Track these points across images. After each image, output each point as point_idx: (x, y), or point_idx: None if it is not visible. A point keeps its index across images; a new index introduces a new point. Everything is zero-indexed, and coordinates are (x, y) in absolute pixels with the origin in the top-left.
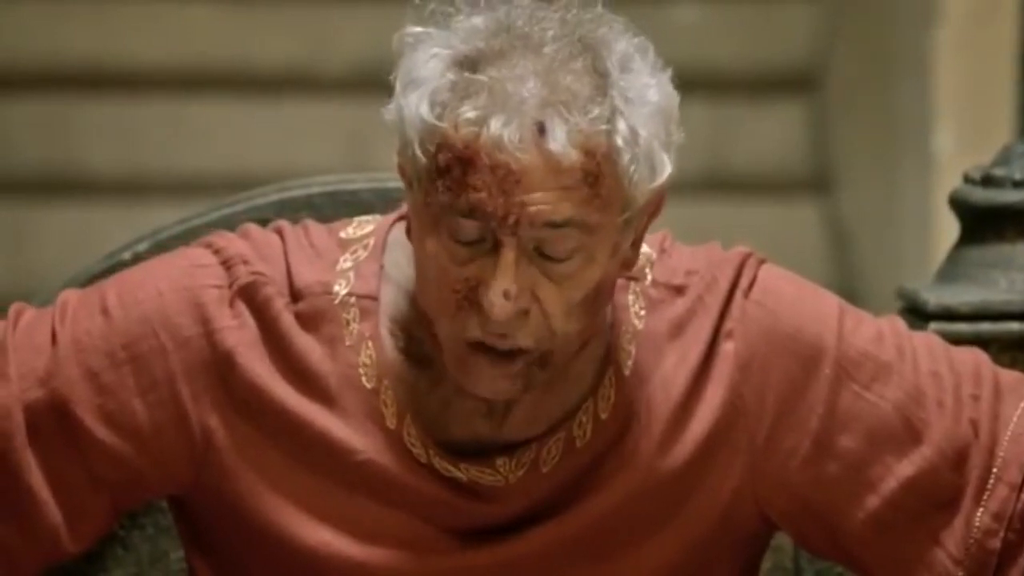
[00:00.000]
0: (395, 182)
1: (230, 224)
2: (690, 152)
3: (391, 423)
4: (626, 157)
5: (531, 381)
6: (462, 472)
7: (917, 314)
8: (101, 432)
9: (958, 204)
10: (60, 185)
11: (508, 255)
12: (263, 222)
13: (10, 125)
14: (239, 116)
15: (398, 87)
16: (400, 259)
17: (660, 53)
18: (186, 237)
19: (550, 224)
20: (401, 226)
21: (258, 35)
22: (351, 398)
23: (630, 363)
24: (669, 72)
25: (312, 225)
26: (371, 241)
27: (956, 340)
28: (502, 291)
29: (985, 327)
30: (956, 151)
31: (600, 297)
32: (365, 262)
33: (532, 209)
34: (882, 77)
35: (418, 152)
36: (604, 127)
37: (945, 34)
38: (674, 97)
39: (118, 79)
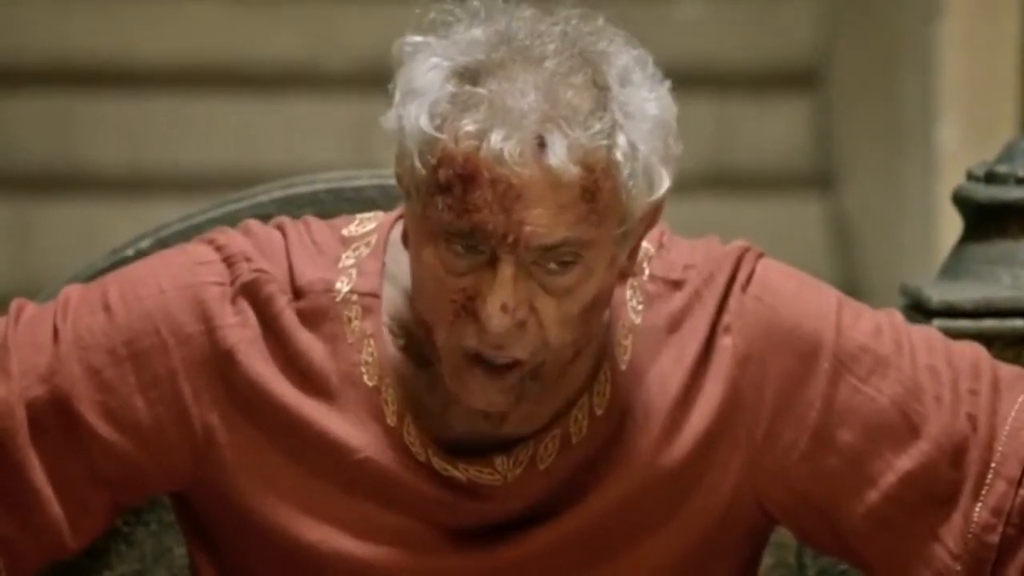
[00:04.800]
0: None
1: (234, 221)
2: (694, 149)
3: (391, 421)
4: (625, 172)
5: (524, 393)
6: (460, 471)
7: (920, 311)
8: (103, 429)
9: (961, 201)
10: (64, 181)
11: (506, 270)
12: (267, 219)
13: (15, 121)
14: (243, 113)
15: (397, 96)
16: (401, 257)
17: (664, 50)
18: (190, 234)
19: (545, 247)
20: (402, 224)
21: (262, 32)
22: (352, 396)
23: (626, 358)
24: (668, 84)
25: (314, 222)
26: (373, 239)
27: (959, 337)
28: (500, 304)
29: (988, 324)
30: (960, 147)
31: (596, 309)
32: (367, 259)
33: (528, 229)
34: (886, 73)
35: (418, 164)
36: (604, 142)
37: (949, 30)
38: (673, 110)
39: (122, 76)
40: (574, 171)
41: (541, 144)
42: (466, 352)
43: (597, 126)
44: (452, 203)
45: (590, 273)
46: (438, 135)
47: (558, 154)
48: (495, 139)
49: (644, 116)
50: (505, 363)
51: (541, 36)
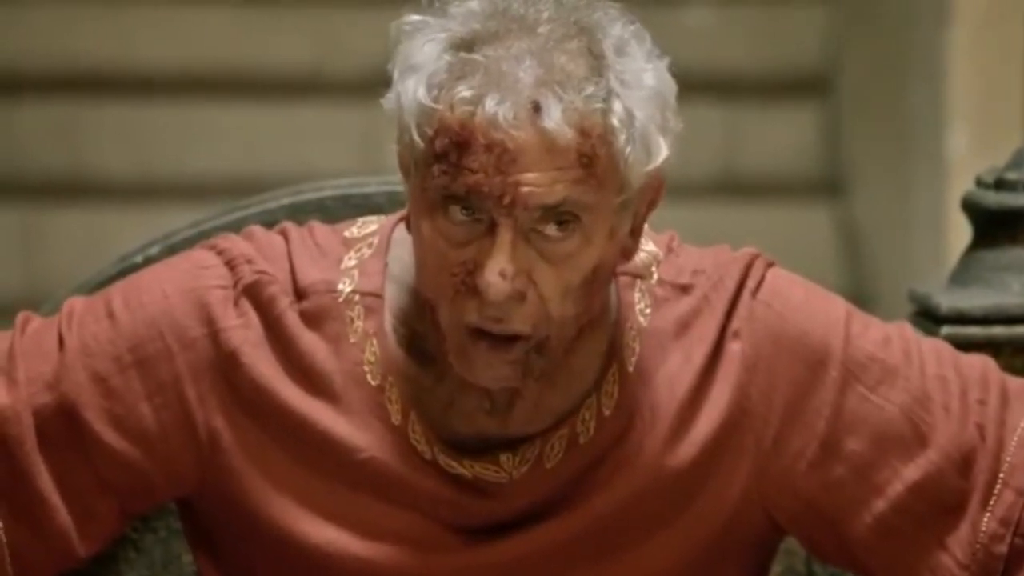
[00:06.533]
0: None
1: (241, 227)
2: (702, 155)
3: (396, 419)
4: (621, 138)
5: (529, 368)
6: (466, 468)
7: (929, 317)
8: (109, 436)
9: (971, 207)
10: (72, 189)
11: (504, 235)
12: (274, 225)
13: (22, 129)
14: (250, 119)
15: (396, 74)
16: (403, 256)
17: (672, 56)
18: (197, 240)
19: (544, 206)
20: (404, 225)
21: (269, 38)
22: (356, 395)
23: (634, 360)
24: (667, 60)
25: (317, 226)
26: (375, 240)
27: (968, 343)
28: (498, 270)
29: (998, 330)
30: (969, 154)
31: (597, 281)
32: (369, 260)
33: (525, 190)
34: (894, 80)
35: (416, 137)
36: (599, 106)
37: (958, 36)
38: (671, 83)
39: (129, 82)
40: (569, 134)
41: (536, 108)
42: (468, 328)
43: (591, 90)
44: (447, 167)
45: (589, 241)
46: (435, 106)
47: (553, 117)
48: (490, 104)
49: (640, 85)
50: (508, 335)
51: (536, 5)
